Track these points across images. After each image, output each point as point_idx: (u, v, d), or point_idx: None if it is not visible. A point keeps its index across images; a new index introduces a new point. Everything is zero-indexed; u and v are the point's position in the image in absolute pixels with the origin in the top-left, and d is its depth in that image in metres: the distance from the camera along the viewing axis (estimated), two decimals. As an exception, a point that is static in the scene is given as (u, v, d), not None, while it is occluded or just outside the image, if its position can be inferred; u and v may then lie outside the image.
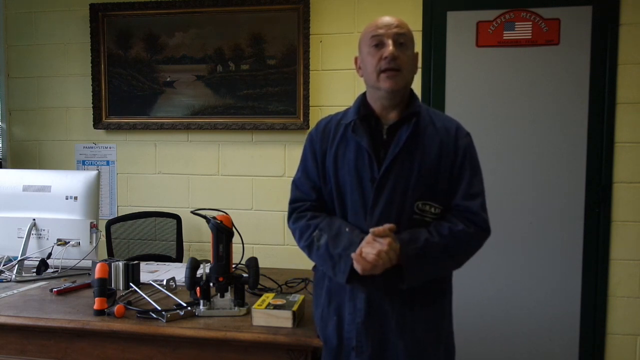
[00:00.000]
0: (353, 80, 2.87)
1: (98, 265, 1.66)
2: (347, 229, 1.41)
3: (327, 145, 1.49)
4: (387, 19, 1.42)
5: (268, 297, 1.66)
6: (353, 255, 1.34)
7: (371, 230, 1.35)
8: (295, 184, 1.56)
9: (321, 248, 1.42)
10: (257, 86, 2.97)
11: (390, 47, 1.38)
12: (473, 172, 1.44)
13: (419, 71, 2.77)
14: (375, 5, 2.86)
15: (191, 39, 3.02)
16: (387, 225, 1.34)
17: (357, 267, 1.34)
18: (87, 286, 1.94)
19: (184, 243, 3.00)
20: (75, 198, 2.09)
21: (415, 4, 2.83)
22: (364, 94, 1.50)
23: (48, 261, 2.10)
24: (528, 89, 2.77)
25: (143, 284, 1.92)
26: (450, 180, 1.43)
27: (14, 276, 2.05)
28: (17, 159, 3.29)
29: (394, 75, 1.39)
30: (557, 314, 2.78)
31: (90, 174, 2.13)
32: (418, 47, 2.78)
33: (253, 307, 1.57)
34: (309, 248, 1.47)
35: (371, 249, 1.32)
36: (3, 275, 2.08)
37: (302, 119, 2.91)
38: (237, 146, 3.05)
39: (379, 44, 1.40)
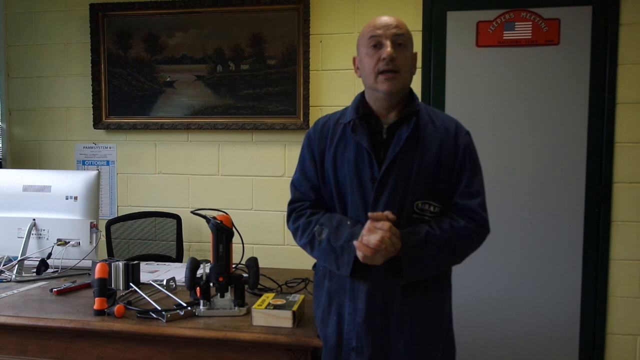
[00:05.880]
0: (353, 80, 2.87)
1: (98, 265, 1.66)
2: (348, 222, 1.41)
3: (326, 144, 1.48)
4: (385, 19, 1.41)
5: (268, 297, 1.66)
6: (356, 242, 1.33)
7: (370, 214, 1.33)
8: (294, 184, 1.56)
9: (323, 242, 1.41)
10: (257, 86, 2.97)
11: (388, 48, 1.37)
12: (473, 171, 1.44)
13: (419, 71, 2.78)
14: (375, 5, 2.86)
15: (191, 39, 3.02)
16: (385, 212, 1.33)
17: (360, 255, 1.32)
18: (87, 286, 1.94)
19: (184, 243, 3.00)
20: (75, 198, 2.09)
21: (415, 4, 2.83)
22: (362, 93, 1.50)
23: (48, 261, 2.10)
24: (528, 89, 2.77)
25: (143, 284, 1.92)
26: (450, 179, 1.43)
27: (14, 276, 2.05)
28: (17, 159, 3.29)
29: (392, 77, 1.38)
30: (557, 314, 2.78)
31: (90, 174, 2.13)
32: (418, 47, 2.79)
33: (253, 307, 1.57)
34: (310, 244, 1.46)
35: (374, 235, 1.31)
36: (3, 275, 2.08)
37: (302, 119, 2.91)
38: (237, 146, 3.05)
39: (377, 45, 1.39)
